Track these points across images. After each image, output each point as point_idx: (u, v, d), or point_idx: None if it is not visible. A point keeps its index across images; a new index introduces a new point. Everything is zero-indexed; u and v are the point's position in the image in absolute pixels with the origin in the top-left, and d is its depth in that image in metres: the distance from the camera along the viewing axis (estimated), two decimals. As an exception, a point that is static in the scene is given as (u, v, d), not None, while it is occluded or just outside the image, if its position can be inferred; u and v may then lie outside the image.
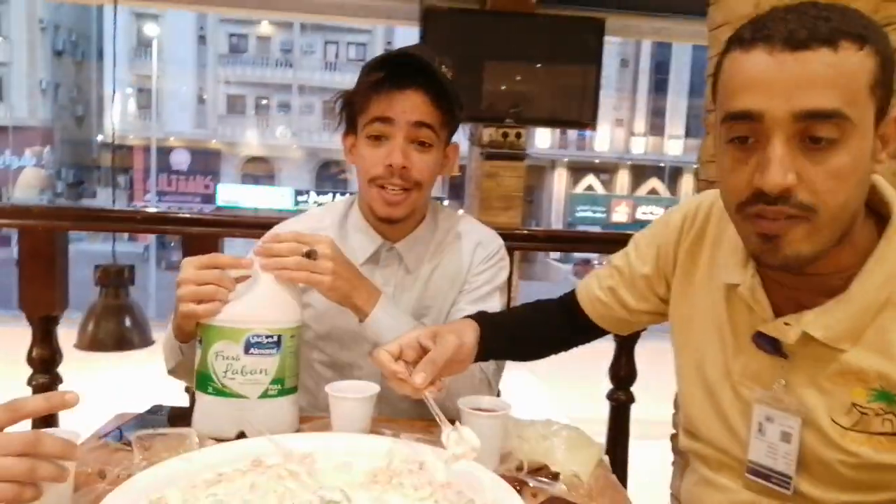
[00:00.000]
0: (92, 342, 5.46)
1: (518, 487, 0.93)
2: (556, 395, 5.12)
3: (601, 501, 0.96)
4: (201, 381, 1.04)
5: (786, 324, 0.85)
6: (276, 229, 1.31)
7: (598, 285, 1.17)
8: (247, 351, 1.03)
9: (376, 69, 1.17)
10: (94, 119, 27.46)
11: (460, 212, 1.41)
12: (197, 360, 1.04)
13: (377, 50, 25.79)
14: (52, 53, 26.83)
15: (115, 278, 5.55)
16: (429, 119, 1.20)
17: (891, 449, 0.80)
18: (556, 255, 21.84)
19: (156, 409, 1.22)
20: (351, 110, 1.25)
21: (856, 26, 0.73)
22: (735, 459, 0.95)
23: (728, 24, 1.85)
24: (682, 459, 1.94)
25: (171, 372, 1.21)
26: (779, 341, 0.87)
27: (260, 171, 26.80)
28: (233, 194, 24.37)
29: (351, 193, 1.39)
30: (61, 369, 1.85)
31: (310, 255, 1.08)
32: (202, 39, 26.97)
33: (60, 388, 1.83)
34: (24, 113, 25.54)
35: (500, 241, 1.37)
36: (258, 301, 1.05)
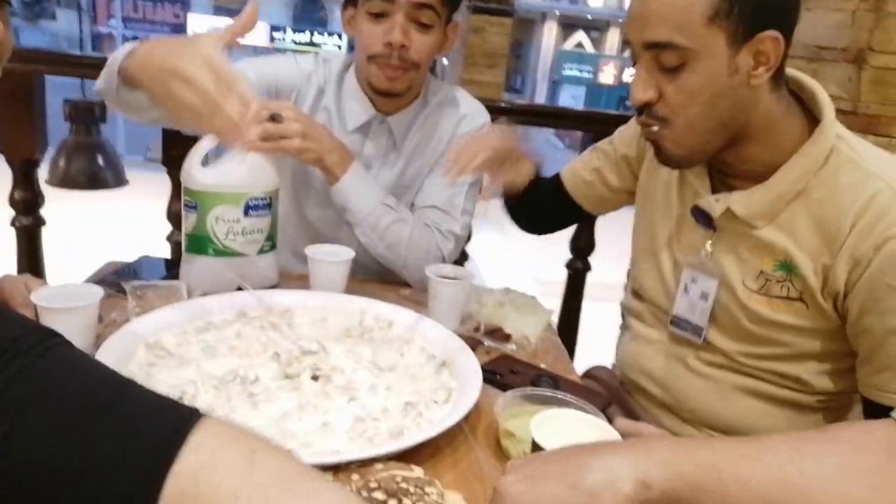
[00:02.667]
0: (64, 179, 5.50)
1: (474, 345, 1.06)
2: (525, 258, 5.31)
3: (545, 359, 1.10)
4: (199, 244, 1.11)
5: (716, 200, 0.99)
6: (268, 63, 1.31)
7: (583, 167, 1.30)
8: (246, 213, 1.11)
9: None
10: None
11: (457, 90, 1.41)
12: (191, 225, 1.11)
13: None
14: None
15: (86, 115, 5.50)
16: (431, 0, 1.19)
17: (784, 310, 0.96)
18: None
19: (145, 259, 1.31)
20: None
21: None
22: (665, 314, 1.11)
23: None
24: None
25: (100, 92, 1.20)
26: (710, 215, 1.01)
27: (234, 2, 25.37)
28: (204, 26, 23.19)
29: (349, 52, 1.37)
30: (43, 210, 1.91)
31: (274, 118, 1.10)
32: None
33: (44, 229, 1.89)
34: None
35: (487, 117, 1.40)
36: (253, 164, 1.12)
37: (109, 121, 6.45)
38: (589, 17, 25.48)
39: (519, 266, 5.13)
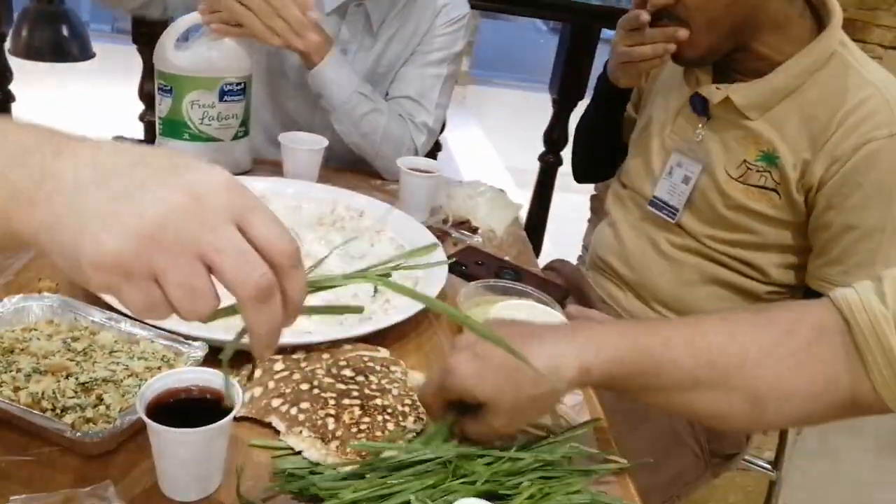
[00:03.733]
0: (27, 50, 5.21)
1: (442, 237, 1.11)
2: (500, 147, 5.30)
3: (509, 252, 1.15)
4: (173, 129, 1.12)
5: (717, 89, 1.05)
6: None
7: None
8: (221, 98, 1.11)
9: None
10: None
11: None
12: (165, 110, 1.11)
13: None
14: None
15: (47, -25, 5.15)
16: None
17: (758, 198, 1.04)
18: None
19: (119, 140, 1.31)
20: None
21: None
22: (644, 199, 1.19)
23: None
24: (595, 216, 2.19)
25: None
26: (707, 104, 1.07)
27: None
28: None
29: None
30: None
31: None
32: None
33: (13, 106, 1.86)
34: None
35: (467, 10, 1.38)
36: (228, 51, 1.11)
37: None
38: None
39: (493, 155, 5.14)
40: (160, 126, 1.14)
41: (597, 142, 1.36)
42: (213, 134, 1.13)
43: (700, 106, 1.09)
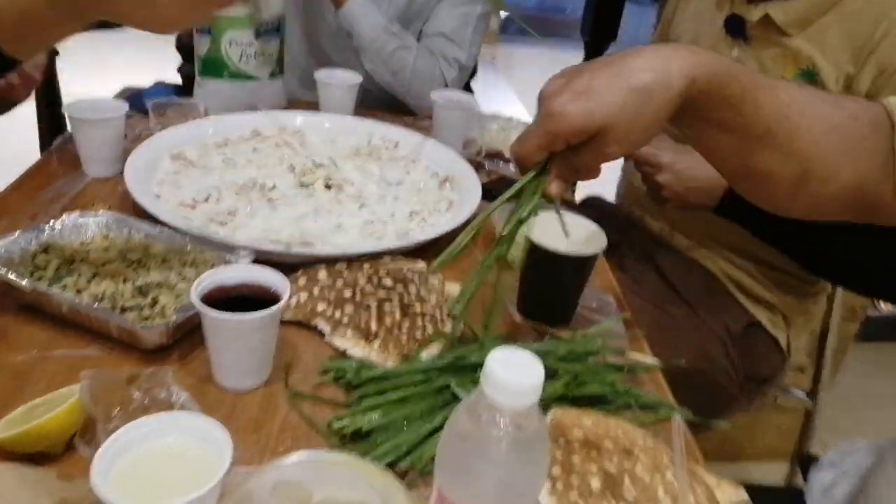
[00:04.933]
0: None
1: (476, 168, 1.12)
2: (531, 105, 5.24)
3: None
4: (213, 68, 1.15)
5: (755, 7, 1.04)
6: None
7: None
8: (258, 36, 1.14)
9: None
10: None
11: None
12: (204, 49, 1.14)
13: None
14: None
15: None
16: None
17: None
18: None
19: (159, 84, 1.35)
20: None
21: None
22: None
23: None
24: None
25: None
26: (744, 25, 1.05)
27: None
28: None
29: None
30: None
31: None
32: None
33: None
34: None
35: None
36: None
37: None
38: None
39: (523, 112, 5.10)
40: (199, 65, 1.16)
41: None
42: (252, 72, 1.16)
43: (736, 27, 1.08)
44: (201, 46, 1.14)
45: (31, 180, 0.96)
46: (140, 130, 1.06)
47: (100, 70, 3.88)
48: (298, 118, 1.14)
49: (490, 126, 1.24)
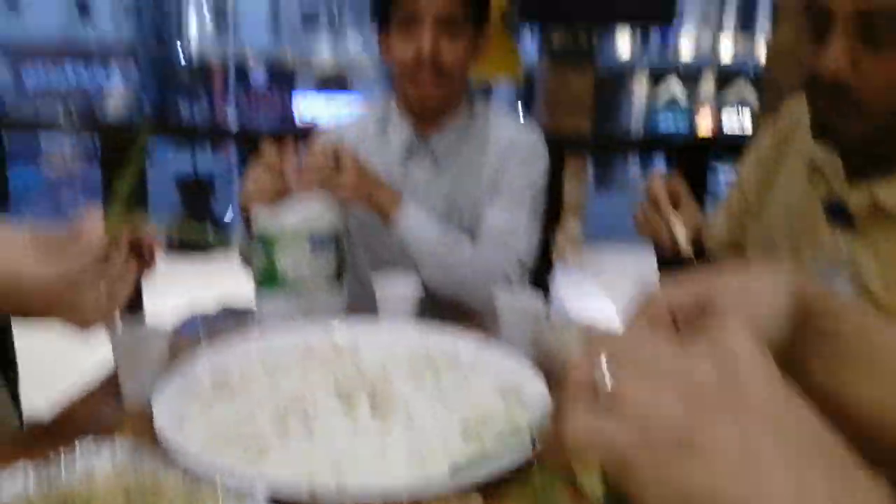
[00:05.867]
0: (174, 244, 5.85)
1: (547, 375, 0.98)
2: (618, 302, 5.12)
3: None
4: (268, 278, 1.13)
5: (857, 190, 0.86)
6: (321, 137, 1.39)
7: (729, 231, 1.14)
8: (313, 249, 1.11)
9: None
10: (176, 38, 27.98)
11: (507, 113, 1.42)
12: (260, 261, 1.13)
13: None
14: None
15: (196, 188, 5.89)
16: (453, 7, 1.22)
17: None
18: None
19: (223, 308, 1.33)
20: (383, 7, 1.28)
21: None
22: None
23: None
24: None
25: (244, 260, 1.30)
26: (849, 214, 0.88)
27: (335, 82, 26.90)
28: (309, 106, 24.66)
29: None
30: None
31: (336, 155, 1.15)
32: (275, -49, 26.70)
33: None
34: (111, 33, 26.27)
35: (537, 139, 1.37)
36: (318, 203, 1.14)
37: (218, 189, 6.91)
38: (679, 67, 25.13)
39: (613, 313, 4.95)
40: (256, 275, 1.14)
41: None
42: (305, 284, 1.12)
43: (838, 215, 0.89)
44: (257, 258, 1.13)
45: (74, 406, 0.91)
46: (183, 353, 1.01)
47: (185, 295, 4.07)
48: (352, 330, 1.06)
49: (567, 333, 1.11)
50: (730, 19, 24.77)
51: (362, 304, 1.29)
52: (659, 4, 5.38)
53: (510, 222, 1.29)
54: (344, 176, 1.15)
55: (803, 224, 0.97)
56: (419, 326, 1.08)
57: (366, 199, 1.19)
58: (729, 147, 1.98)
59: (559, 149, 1.88)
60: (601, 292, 5.32)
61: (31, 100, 23.96)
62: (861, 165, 0.87)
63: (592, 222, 6.44)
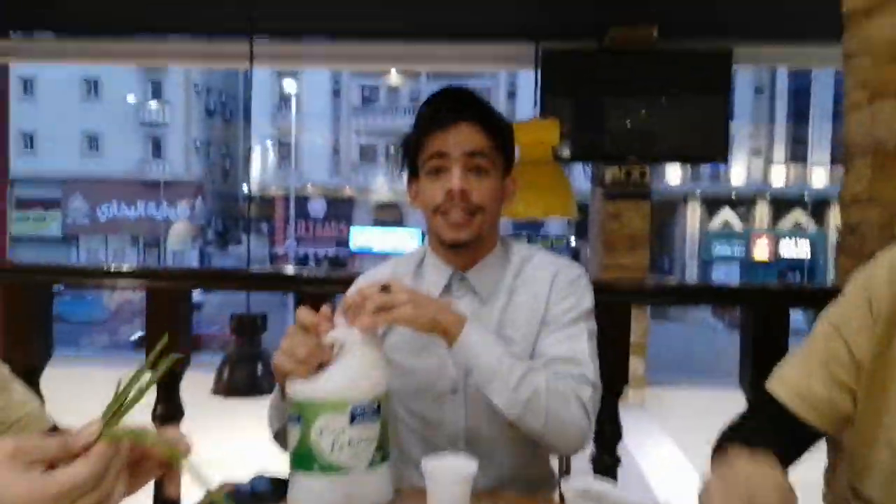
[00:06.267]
0: (227, 388, 5.80)
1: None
2: (691, 451, 4.77)
3: None
4: (303, 460, 1.01)
5: None
6: (359, 279, 1.36)
7: (807, 376, 0.96)
8: (352, 421, 1.00)
9: (426, 111, 1.26)
10: (240, 172, 29.76)
11: (535, 246, 1.41)
12: (296, 439, 1.02)
13: (501, 95, 26.17)
14: (205, 114, 29.55)
15: (249, 326, 5.91)
16: (481, 146, 1.23)
17: None
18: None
19: (257, 480, 1.22)
20: (411, 155, 1.30)
21: None
22: None
23: (867, 55, 1.66)
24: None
25: (277, 436, 1.20)
26: None
27: (390, 215, 27.79)
28: (365, 237, 25.40)
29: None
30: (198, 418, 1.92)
31: (384, 288, 1.09)
32: (336, 93, 28.69)
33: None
34: (180, 169, 28.16)
35: (581, 269, 1.34)
36: (358, 369, 1.03)
37: (276, 329, 6.93)
38: (732, 194, 25.18)
39: (683, 461, 4.59)
40: (291, 459, 1.02)
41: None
42: (346, 462, 1.00)
43: None
44: (292, 438, 1.02)
45: None
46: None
47: (227, 447, 3.94)
48: (398, 523, 0.93)
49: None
50: (780, 152, 24.97)
51: (415, 487, 1.16)
52: (712, 146, 5.40)
53: (570, 351, 1.22)
54: (400, 296, 1.09)
55: None
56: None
57: (430, 320, 1.11)
58: (797, 294, 1.83)
59: (624, 304, 1.77)
60: (663, 432, 4.99)
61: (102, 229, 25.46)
62: None
63: (650, 356, 6.18)
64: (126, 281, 1.91)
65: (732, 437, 0.99)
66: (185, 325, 1.86)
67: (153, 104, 28.40)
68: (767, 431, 0.98)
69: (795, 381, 0.96)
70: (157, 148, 28.66)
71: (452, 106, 1.24)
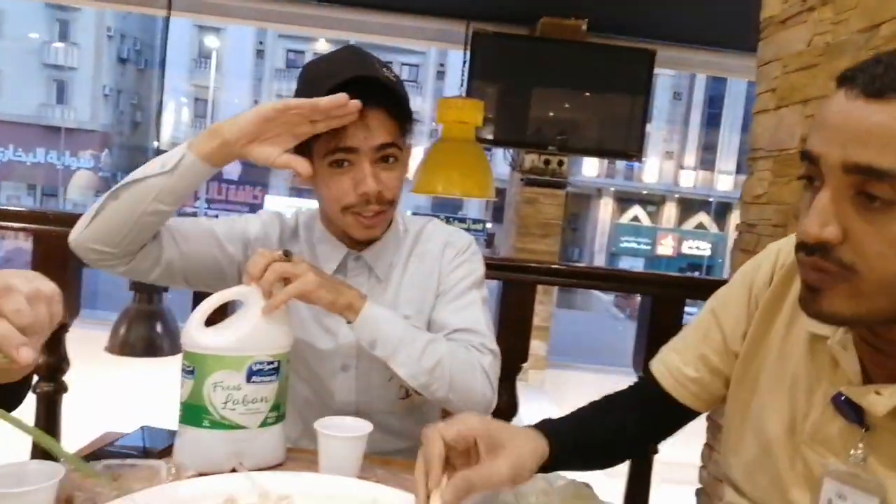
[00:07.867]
0: (122, 347, 5.52)
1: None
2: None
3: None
4: (193, 414, 0.98)
5: (877, 393, 0.74)
6: (258, 214, 1.32)
7: (682, 360, 1.01)
8: (249, 379, 0.98)
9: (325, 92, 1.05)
10: (152, 126, 28.34)
11: (429, 218, 1.37)
12: (186, 393, 0.98)
13: (429, 72, 26.03)
14: (117, 61, 27.91)
15: (149, 284, 5.67)
16: (392, 137, 1.14)
17: None
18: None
19: (143, 431, 1.17)
20: (311, 141, 1.12)
21: None
22: None
23: (778, 61, 1.75)
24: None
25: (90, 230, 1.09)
26: (862, 409, 0.76)
27: (308, 184, 27.21)
28: (279, 204, 24.82)
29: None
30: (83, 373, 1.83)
31: (286, 254, 1.05)
32: (260, 54, 27.71)
33: (65, 396, 1.81)
34: (85, 116, 26.51)
35: (470, 238, 1.33)
36: (258, 326, 1.00)
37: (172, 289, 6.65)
38: (644, 192, 26.15)
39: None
40: (180, 412, 0.99)
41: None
42: (238, 420, 0.97)
43: (851, 412, 0.78)
44: (184, 390, 0.98)
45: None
46: (84, 499, 0.85)
47: (117, 406, 3.78)
48: (287, 481, 0.91)
49: (527, 488, 0.98)
50: (691, 156, 26.08)
51: (306, 450, 1.14)
52: (628, 143, 5.57)
53: (467, 320, 1.22)
54: (302, 266, 1.04)
55: (807, 403, 0.84)
56: (364, 484, 0.93)
57: (333, 296, 1.06)
58: (696, 286, 1.92)
59: (531, 281, 1.81)
60: (561, 410, 5.17)
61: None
62: (876, 362, 0.76)
63: (553, 340, 6.37)
64: (12, 223, 1.78)
65: (596, 404, 1.05)
66: (75, 274, 1.76)
67: (59, 45, 26.56)
68: (636, 403, 1.04)
69: (673, 363, 1.01)
70: (61, 92, 26.85)
71: (361, 90, 1.04)
